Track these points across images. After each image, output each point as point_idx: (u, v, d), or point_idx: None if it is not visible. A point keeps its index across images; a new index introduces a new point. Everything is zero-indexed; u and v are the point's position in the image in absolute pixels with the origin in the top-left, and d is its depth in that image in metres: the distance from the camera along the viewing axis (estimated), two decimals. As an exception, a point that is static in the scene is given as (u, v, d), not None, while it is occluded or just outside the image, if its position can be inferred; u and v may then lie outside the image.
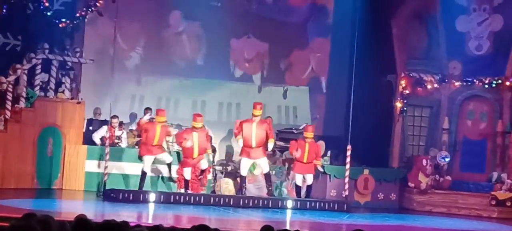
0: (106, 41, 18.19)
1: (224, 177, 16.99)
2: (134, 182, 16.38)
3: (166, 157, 15.90)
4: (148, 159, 15.59)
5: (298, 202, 16.05)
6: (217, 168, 17.18)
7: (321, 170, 16.43)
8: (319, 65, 20.98)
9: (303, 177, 16.17)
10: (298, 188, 16.21)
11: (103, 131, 16.82)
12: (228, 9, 19.98)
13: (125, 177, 16.55)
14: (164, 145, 16.19)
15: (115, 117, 16.73)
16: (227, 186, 16.65)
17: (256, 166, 16.50)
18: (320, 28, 21.21)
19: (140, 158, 15.73)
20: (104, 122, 17.18)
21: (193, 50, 20.40)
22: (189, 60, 20.35)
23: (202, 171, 15.92)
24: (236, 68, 20.80)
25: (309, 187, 16.24)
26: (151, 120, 16.15)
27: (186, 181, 15.66)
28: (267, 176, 16.04)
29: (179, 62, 20.40)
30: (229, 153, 18.46)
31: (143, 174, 15.61)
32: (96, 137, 17.04)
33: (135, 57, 20.02)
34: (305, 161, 15.95)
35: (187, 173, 15.62)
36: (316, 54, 20.98)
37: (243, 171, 15.95)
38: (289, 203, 15.79)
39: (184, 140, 15.40)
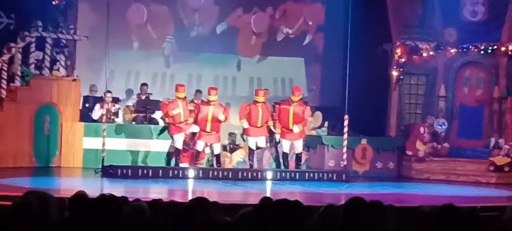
0: (99, 18, 18.10)
1: (224, 151, 17.02)
2: (133, 158, 16.46)
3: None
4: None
5: (297, 173, 16.08)
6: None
7: (274, 130, 16.32)
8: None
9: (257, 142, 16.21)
10: (252, 151, 16.18)
11: (97, 108, 16.85)
12: None
13: (124, 153, 16.55)
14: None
15: (108, 91, 16.65)
16: (226, 159, 16.70)
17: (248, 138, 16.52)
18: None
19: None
20: (100, 99, 17.16)
21: (188, 23, 20.32)
22: (184, 34, 20.27)
23: (217, 155, 15.97)
24: (237, 42, 20.74)
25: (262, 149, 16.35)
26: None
27: (198, 153, 15.82)
28: (299, 156, 16.25)
29: (174, 36, 20.32)
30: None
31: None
32: (95, 116, 17.01)
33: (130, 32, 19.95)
34: (258, 125, 15.95)
35: (200, 145, 15.72)
36: None
37: (285, 149, 16.16)
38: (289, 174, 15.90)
39: (171, 109, 15.51)
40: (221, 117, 15.65)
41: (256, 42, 20.77)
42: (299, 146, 16.18)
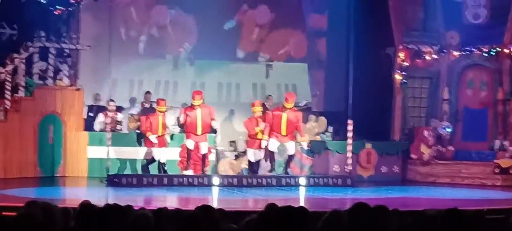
0: (102, 27, 18.15)
1: (227, 157, 17.00)
2: (137, 166, 16.44)
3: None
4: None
5: (301, 179, 16.06)
6: (219, 148, 17.20)
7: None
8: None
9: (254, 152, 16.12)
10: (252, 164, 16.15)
11: (101, 119, 16.87)
12: None
13: (128, 161, 16.53)
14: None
15: (111, 100, 16.61)
16: (230, 166, 16.68)
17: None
18: (317, 4, 21.14)
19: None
20: (104, 108, 17.17)
21: (191, 31, 20.33)
22: (186, 41, 20.29)
23: (203, 155, 15.87)
24: (239, 48, 20.75)
25: (257, 163, 16.23)
26: None
27: (189, 151, 15.71)
28: (290, 157, 16.12)
29: (177, 44, 20.35)
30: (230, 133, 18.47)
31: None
32: (96, 126, 17.04)
33: (132, 41, 19.98)
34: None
35: (190, 144, 15.66)
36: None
37: (271, 147, 15.92)
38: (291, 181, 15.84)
39: (148, 129, 15.51)
40: (214, 124, 15.78)
41: (258, 35, 20.80)
42: (291, 148, 16.02)
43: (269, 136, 15.81)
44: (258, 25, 20.77)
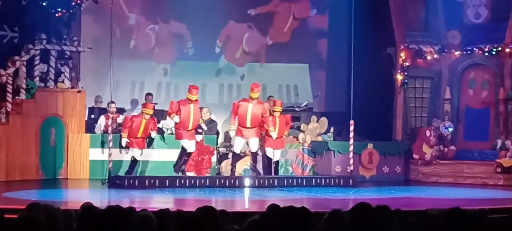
0: (103, 29, 18.16)
1: (228, 159, 17.01)
2: (139, 168, 16.44)
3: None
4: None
5: (304, 180, 16.07)
6: (220, 149, 17.19)
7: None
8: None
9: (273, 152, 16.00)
10: (269, 160, 15.97)
11: (102, 121, 16.89)
12: None
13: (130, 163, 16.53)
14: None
15: (112, 102, 16.60)
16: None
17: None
18: (318, 4, 21.15)
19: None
20: (105, 110, 17.17)
21: (192, 33, 20.32)
22: (188, 43, 20.29)
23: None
24: (238, 51, 20.77)
25: (277, 162, 16.15)
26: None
27: (189, 154, 15.61)
28: (254, 155, 15.94)
29: (177, 45, 20.36)
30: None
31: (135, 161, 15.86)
32: (97, 128, 17.08)
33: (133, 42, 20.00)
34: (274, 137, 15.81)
35: (191, 145, 15.55)
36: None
37: (236, 149, 15.85)
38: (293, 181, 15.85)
39: (126, 130, 15.50)
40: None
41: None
42: (254, 144, 15.75)
43: (236, 133, 15.66)
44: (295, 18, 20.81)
